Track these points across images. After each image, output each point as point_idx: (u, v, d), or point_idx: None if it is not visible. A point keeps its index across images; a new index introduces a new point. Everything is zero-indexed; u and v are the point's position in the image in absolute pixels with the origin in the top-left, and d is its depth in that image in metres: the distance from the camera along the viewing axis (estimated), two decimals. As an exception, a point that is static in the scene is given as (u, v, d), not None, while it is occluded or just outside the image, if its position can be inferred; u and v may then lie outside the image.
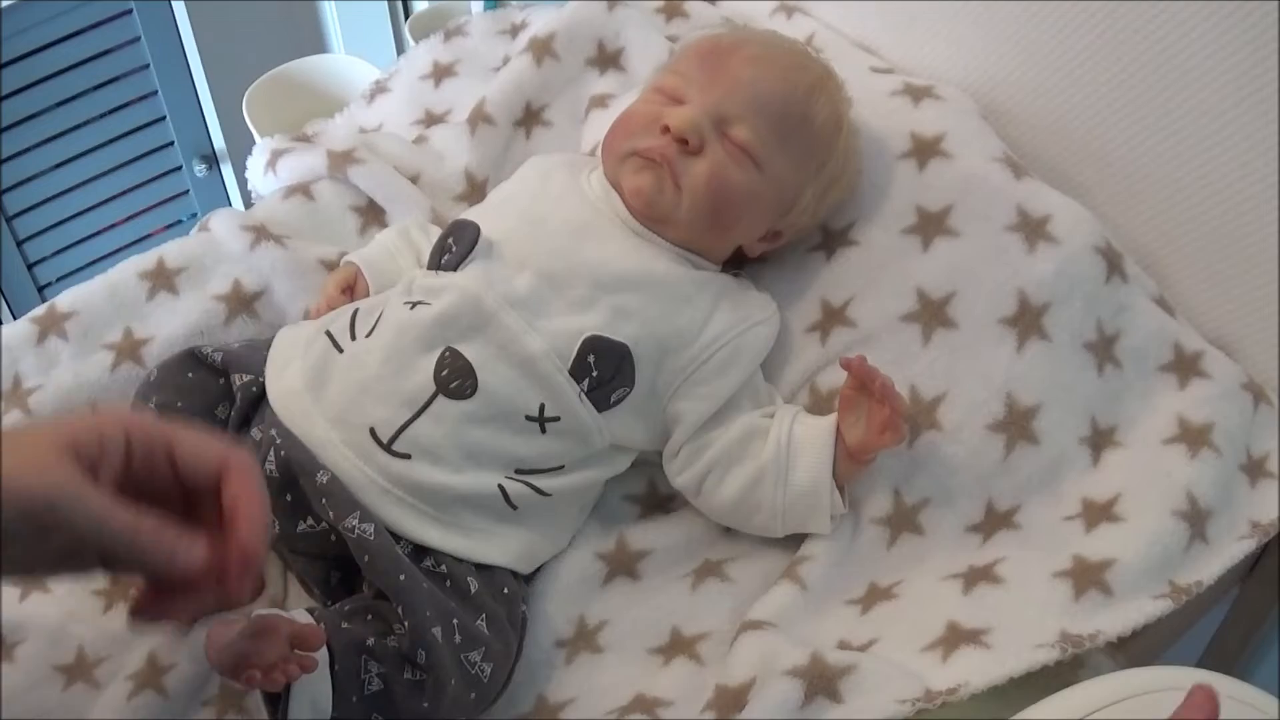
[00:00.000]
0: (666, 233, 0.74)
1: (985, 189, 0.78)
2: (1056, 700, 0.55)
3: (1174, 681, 0.55)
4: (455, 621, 0.65)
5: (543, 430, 0.69)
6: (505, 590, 0.69)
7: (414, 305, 0.71)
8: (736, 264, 0.80)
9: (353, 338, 0.72)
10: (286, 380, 0.71)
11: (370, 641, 0.63)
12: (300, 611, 0.65)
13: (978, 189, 0.78)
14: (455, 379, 0.69)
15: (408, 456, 0.68)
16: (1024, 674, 0.61)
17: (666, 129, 0.72)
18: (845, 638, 0.68)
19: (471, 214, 0.78)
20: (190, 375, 0.73)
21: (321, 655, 0.62)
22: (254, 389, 0.72)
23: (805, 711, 0.61)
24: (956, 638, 0.65)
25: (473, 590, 0.67)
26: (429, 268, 0.75)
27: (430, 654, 0.63)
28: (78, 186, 1.63)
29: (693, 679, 0.68)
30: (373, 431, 0.68)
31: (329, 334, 0.73)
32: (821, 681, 0.62)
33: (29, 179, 1.58)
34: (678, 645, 0.70)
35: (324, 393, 0.70)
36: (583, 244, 0.73)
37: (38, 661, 0.70)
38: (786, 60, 0.76)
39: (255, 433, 0.70)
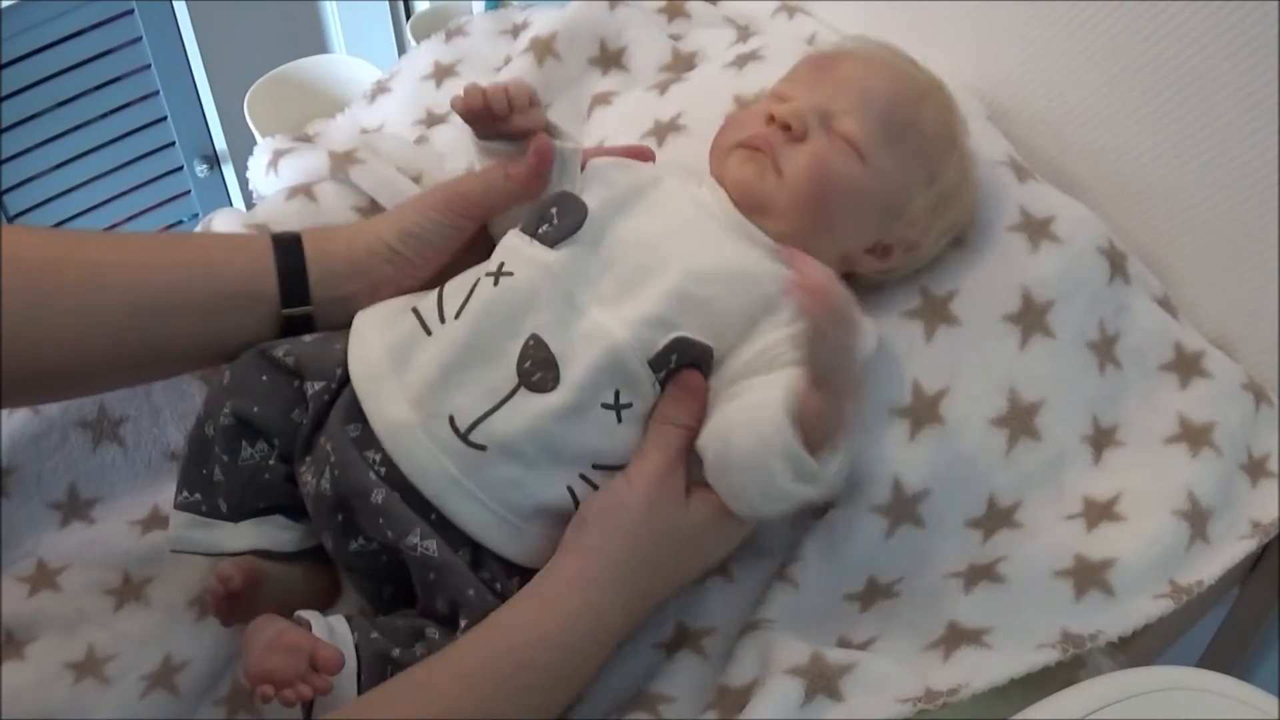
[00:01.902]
0: (768, 225, 0.72)
1: (988, 190, 0.78)
2: (1057, 700, 0.55)
3: (1174, 681, 0.55)
4: None
5: (619, 419, 0.68)
6: None
7: (498, 277, 0.69)
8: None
9: (441, 320, 0.70)
10: (370, 362, 0.69)
11: (396, 653, 0.63)
12: (338, 619, 0.64)
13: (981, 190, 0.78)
14: (537, 371, 0.67)
15: (483, 449, 0.66)
16: (1025, 674, 0.62)
17: (772, 118, 0.72)
18: (845, 635, 0.68)
19: (579, 185, 0.74)
20: (265, 379, 0.71)
21: (350, 662, 0.61)
22: (325, 397, 0.70)
23: (805, 710, 0.61)
24: (957, 637, 0.65)
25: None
26: (523, 229, 0.72)
27: None
28: (79, 186, 1.63)
29: (698, 674, 0.68)
30: (451, 420, 0.67)
31: (416, 312, 0.71)
32: (822, 680, 0.62)
33: (30, 179, 1.58)
34: (683, 639, 0.70)
35: (406, 374, 0.68)
36: (680, 239, 0.71)
37: (49, 658, 0.70)
38: (896, 67, 0.76)
39: (324, 442, 0.69)
